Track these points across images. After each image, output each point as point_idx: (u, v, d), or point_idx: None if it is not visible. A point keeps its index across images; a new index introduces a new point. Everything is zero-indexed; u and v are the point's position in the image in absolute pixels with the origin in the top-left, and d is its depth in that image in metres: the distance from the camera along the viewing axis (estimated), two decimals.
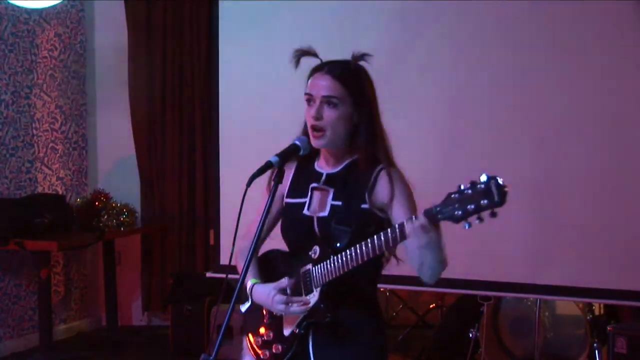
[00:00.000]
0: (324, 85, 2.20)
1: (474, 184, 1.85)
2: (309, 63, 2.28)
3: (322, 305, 2.18)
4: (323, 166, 2.31)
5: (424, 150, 4.21)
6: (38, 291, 5.20)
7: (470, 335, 4.50)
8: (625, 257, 3.96)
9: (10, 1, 5.09)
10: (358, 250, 2.08)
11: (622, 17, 3.94)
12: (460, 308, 4.95)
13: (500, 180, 1.82)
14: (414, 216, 2.00)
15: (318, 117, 2.20)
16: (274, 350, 2.30)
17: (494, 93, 4.20)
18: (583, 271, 4.03)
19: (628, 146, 3.97)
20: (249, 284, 2.32)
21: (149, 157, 5.97)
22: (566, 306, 4.39)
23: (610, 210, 3.97)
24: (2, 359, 5.20)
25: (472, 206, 1.83)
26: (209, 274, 5.00)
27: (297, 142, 2.25)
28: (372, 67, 2.29)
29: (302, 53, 2.27)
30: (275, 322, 2.31)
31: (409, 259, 2.14)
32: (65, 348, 5.49)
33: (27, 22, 5.52)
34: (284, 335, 2.28)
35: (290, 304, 2.19)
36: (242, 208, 2.10)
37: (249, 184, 2.10)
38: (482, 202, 1.82)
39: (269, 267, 2.37)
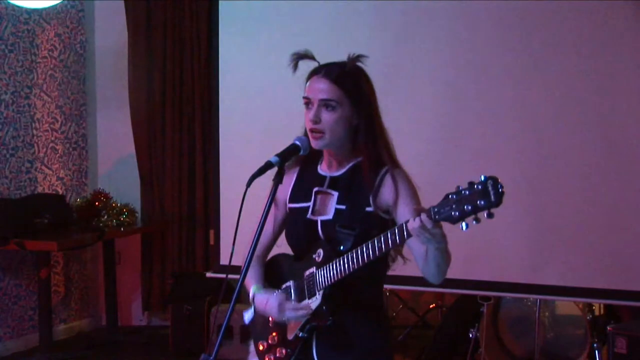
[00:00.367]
0: (321, 88, 2.20)
1: (471, 185, 1.84)
2: (308, 64, 2.28)
3: (324, 308, 2.17)
4: (326, 169, 2.31)
5: (423, 150, 4.21)
6: (38, 291, 5.20)
7: (470, 335, 4.50)
8: (625, 257, 3.96)
9: (10, 1, 5.09)
10: (360, 252, 2.07)
11: (622, 16, 3.94)
12: (460, 308, 4.95)
13: (497, 181, 1.81)
14: (411, 218, 1.98)
15: (316, 120, 2.20)
16: (277, 354, 2.30)
17: (493, 93, 4.20)
18: (583, 271, 4.03)
19: (628, 146, 3.97)
20: (251, 292, 2.33)
21: (149, 157, 5.97)
22: (566, 306, 4.39)
23: (611, 210, 3.98)
24: (2, 359, 5.20)
25: (469, 207, 1.82)
26: (209, 274, 5.00)
27: (297, 142, 2.25)
28: (372, 67, 2.29)
29: (300, 57, 2.26)
30: (280, 326, 2.30)
31: (414, 258, 2.15)
32: (65, 348, 5.49)
33: (27, 22, 5.51)
34: (288, 339, 2.28)
35: (283, 310, 2.20)
36: (242, 208, 2.10)
37: (248, 184, 2.10)
38: (479, 202, 1.81)
39: (274, 271, 2.37)
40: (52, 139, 5.76)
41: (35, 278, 5.28)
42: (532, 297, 4.30)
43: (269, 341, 2.33)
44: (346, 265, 2.10)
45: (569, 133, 4.05)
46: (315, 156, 2.33)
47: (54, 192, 5.71)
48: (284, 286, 2.29)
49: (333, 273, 2.14)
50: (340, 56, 2.27)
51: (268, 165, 2.16)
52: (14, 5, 5.26)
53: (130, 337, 5.79)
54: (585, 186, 4.02)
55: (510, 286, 4.19)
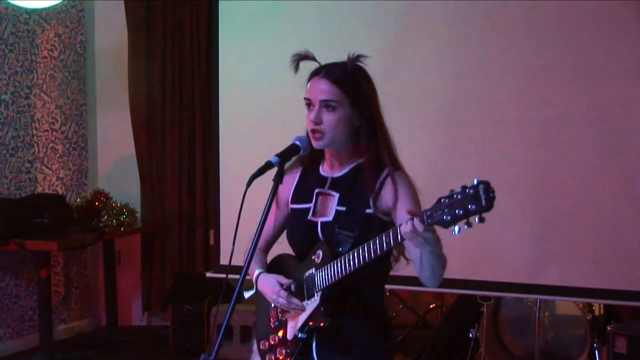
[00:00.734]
0: (322, 89, 2.20)
1: (464, 189, 1.83)
2: (309, 65, 2.28)
3: (322, 309, 2.17)
4: (328, 170, 2.32)
5: (423, 150, 4.21)
6: (38, 291, 5.20)
7: (470, 335, 4.49)
8: (625, 257, 3.96)
9: (10, 1, 5.09)
10: (357, 254, 2.07)
11: (622, 16, 3.94)
12: (460, 308, 4.94)
13: (489, 185, 1.80)
14: (405, 221, 1.98)
15: (317, 121, 2.20)
16: (278, 354, 2.30)
17: (493, 93, 4.19)
18: (583, 271, 4.03)
19: (628, 146, 3.96)
20: (255, 272, 2.35)
21: (149, 157, 5.97)
22: (566, 306, 4.38)
23: (611, 210, 3.97)
24: (2, 359, 5.20)
25: (461, 211, 1.82)
26: (209, 274, 5.00)
27: (297, 142, 2.25)
28: (372, 67, 2.29)
29: (300, 57, 2.27)
30: (282, 326, 2.31)
31: (412, 260, 2.16)
32: (65, 348, 5.49)
33: (27, 22, 5.52)
34: (287, 340, 2.28)
35: (277, 294, 2.22)
36: (242, 208, 2.10)
37: (248, 184, 2.10)
38: (470, 206, 1.80)
39: (278, 270, 2.38)
40: (52, 139, 5.76)
41: (35, 278, 5.28)
42: (532, 297, 4.30)
43: (271, 341, 2.34)
44: (344, 266, 2.11)
45: (569, 134, 4.05)
46: (317, 157, 2.34)
47: (54, 192, 5.71)
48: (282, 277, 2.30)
49: (331, 274, 2.14)
50: (341, 56, 2.27)
51: (268, 166, 2.17)
52: (14, 5, 5.26)
53: (130, 337, 5.80)
54: (586, 186, 4.01)
55: (510, 286, 4.19)
